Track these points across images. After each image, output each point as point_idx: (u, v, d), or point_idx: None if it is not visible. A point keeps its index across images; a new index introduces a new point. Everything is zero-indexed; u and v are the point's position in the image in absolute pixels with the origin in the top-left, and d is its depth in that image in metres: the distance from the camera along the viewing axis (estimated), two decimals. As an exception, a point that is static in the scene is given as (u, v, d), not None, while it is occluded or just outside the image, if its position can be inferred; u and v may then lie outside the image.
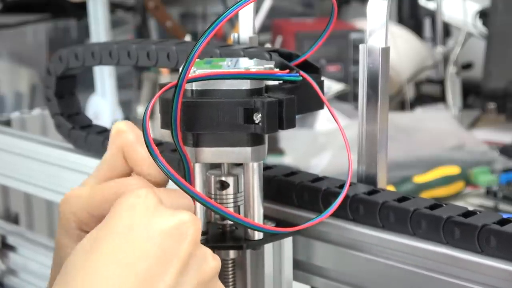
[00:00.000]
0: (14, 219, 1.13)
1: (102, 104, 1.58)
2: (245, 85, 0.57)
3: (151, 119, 0.57)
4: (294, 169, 0.71)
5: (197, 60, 0.62)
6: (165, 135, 0.65)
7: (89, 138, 0.82)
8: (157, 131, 0.74)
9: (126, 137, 0.58)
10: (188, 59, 0.54)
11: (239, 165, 0.62)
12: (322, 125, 1.43)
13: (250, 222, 0.58)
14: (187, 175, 0.58)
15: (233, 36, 0.75)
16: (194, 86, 0.57)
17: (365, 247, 0.63)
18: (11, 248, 1.01)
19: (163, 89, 0.57)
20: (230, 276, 0.64)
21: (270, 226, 0.63)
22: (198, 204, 0.60)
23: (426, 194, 1.20)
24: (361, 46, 0.66)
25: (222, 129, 0.57)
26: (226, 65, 0.59)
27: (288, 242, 0.64)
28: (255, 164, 0.59)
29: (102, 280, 0.49)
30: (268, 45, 0.83)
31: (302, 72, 0.60)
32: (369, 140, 0.66)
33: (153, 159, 0.54)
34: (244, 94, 0.57)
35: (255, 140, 0.58)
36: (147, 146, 0.54)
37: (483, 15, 1.59)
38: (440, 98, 1.70)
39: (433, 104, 1.67)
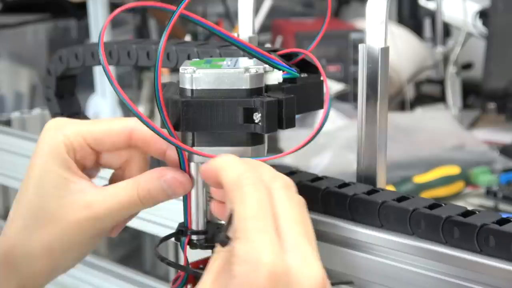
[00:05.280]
0: (14, 219, 1.13)
1: (102, 104, 1.58)
2: (245, 84, 0.57)
3: (151, 118, 0.57)
4: (294, 169, 0.71)
5: (197, 60, 0.62)
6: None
7: (89, 138, 0.81)
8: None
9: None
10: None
11: (239, 164, 0.63)
12: (322, 125, 1.42)
13: None
14: (182, 162, 0.59)
15: (233, 36, 0.75)
16: (194, 86, 0.57)
17: (365, 246, 0.63)
18: (11, 248, 1.01)
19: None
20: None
21: None
22: (195, 205, 0.61)
23: (426, 194, 1.20)
24: (360, 46, 0.66)
25: (222, 128, 0.57)
26: (226, 65, 0.59)
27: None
28: (257, 164, 0.59)
29: None
30: (268, 45, 0.83)
31: (317, 62, 0.60)
32: (368, 140, 0.66)
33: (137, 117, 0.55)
34: (244, 93, 0.57)
35: (255, 140, 0.58)
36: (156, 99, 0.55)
37: (483, 15, 1.59)
38: (440, 98, 1.69)
39: (433, 104, 1.67)
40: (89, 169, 0.62)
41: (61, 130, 0.60)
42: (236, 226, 0.50)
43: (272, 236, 0.50)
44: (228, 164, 0.53)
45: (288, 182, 0.54)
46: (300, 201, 0.53)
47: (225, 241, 0.52)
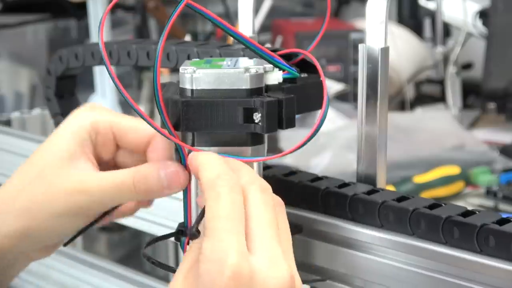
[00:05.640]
0: (14, 219, 1.13)
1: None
2: (245, 84, 0.57)
3: (151, 118, 0.57)
4: (294, 169, 0.71)
5: (197, 60, 0.62)
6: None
7: (89, 138, 0.81)
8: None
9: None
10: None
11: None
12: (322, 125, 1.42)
13: None
14: (182, 159, 0.59)
15: (233, 36, 0.75)
16: (194, 86, 0.57)
17: (365, 246, 0.63)
18: (11, 248, 1.01)
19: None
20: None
21: None
22: (195, 205, 0.61)
23: (426, 194, 1.20)
24: (360, 46, 0.66)
25: (222, 128, 0.57)
26: (226, 65, 0.59)
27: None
28: (255, 164, 0.59)
29: None
30: (268, 45, 0.83)
31: (316, 63, 0.60)
32: (368, 140, 0.66)
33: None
34: (244, 93, 0.57)
35: (255, 140, 0.58)
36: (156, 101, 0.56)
37: (483, 15, 1.59)
38: (440, 98, 1.69)
39: (433, 104, 1.67)
40: (104, 163, 0.63)
41: (94, 111, 0.62)
42: (206, 225, 0.51)
43: (240, 237, 0.50)
44: (208, 163, 0.54)
45: (264, 185, 0.54)
46: (277, 203, 0.54)
47: (195, 235, 0.52)
